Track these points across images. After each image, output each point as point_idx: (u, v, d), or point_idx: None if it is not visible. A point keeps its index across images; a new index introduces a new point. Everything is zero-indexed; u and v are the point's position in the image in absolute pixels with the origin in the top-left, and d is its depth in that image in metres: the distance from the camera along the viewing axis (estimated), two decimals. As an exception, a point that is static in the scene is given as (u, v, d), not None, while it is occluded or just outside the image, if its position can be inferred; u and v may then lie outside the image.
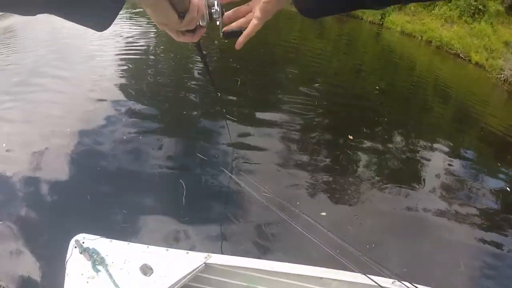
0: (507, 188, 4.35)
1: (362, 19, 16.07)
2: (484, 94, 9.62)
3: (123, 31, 8.25)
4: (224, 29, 0.66)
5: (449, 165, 4.44)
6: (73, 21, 0.43)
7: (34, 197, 3.16)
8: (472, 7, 17.21)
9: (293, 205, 2.49)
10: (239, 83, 4.16)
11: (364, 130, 4.60)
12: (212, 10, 0.59)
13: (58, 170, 3.39)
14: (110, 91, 4.78)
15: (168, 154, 3.60)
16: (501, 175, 4.80)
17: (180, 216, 3.01)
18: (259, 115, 4.24)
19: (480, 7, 17.03)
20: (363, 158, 3.92)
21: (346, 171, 3.63)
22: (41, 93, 4.95)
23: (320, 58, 7.89)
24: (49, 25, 8.95)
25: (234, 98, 4.48)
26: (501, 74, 11.16)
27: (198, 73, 5.66)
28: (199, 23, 0.60)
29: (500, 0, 16.82)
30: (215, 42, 7.01)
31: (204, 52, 0.75)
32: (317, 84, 5.56)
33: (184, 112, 4.31)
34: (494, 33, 14.80)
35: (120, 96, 4.69)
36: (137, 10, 9.72)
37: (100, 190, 3.26)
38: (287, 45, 8.67)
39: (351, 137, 3.87)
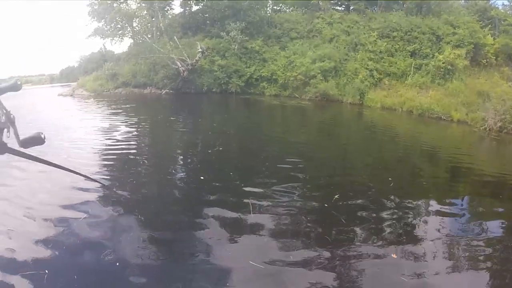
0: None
1: (342, 102, 17.51)
2: (471, 147, 9.81)
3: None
4: (22, 138, 0.55)
5: (448, 219, 4.34)
6: None
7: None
8: (441, 70, 18.72)
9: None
10: (251, 208, 4.18)
11: (358, 202, 4.64)
12: None
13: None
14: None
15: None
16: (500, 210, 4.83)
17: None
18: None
19: (449, 67, 18.55)
20: (360, 231, 3.82)
21: (343, 246, 3.49)
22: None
23: (307, 146, 8.35)
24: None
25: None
26: (484, 125, 11.50)
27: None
28: None
29: (464, 56, 18.24)
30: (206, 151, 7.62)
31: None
32: (307, 175, 5.84)
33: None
34: (466, 88, 15.76)
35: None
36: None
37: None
38: (274, 140, 9.00)
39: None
